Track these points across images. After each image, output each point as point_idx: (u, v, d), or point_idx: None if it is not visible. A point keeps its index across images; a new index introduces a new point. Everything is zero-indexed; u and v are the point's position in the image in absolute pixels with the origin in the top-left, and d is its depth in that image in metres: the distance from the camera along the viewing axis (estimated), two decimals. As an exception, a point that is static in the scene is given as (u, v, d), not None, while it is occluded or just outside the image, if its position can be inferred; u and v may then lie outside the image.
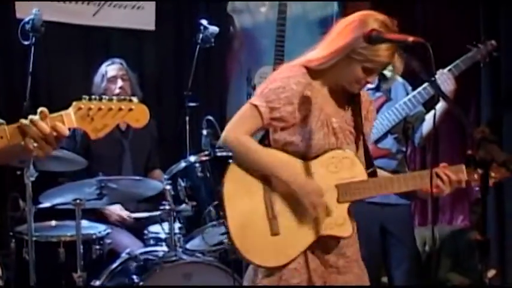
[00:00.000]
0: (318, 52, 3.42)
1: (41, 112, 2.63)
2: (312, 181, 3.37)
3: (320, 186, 3.36)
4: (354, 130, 3.47)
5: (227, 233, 3.45)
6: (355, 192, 3.40)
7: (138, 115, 2.81)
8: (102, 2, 6.58)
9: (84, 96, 2.74)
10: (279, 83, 3.40)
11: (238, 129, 3.47)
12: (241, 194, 3.44)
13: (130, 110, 2.78)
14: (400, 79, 5.01)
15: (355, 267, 3.53)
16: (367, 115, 3.56)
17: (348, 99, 3.50)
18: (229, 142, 3.48)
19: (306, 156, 3.40)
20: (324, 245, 3.44)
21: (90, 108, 2.72)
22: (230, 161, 3.49)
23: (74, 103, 2.73)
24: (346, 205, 3.41)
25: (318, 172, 3.39)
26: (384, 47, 3.28)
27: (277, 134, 3.42)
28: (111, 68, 5.84)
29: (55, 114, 2.69)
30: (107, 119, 2.75)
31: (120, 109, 2.76)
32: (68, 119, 2.70)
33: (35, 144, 2.62)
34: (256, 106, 3.41)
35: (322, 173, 3.39)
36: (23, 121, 2.61)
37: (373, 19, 3.28)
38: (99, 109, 2.73)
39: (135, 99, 2.80)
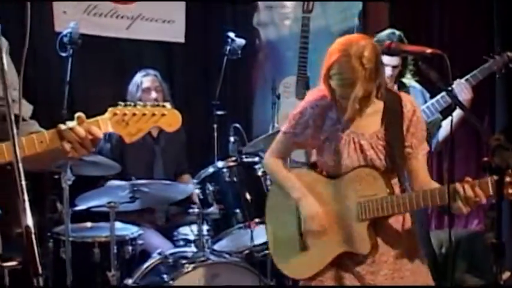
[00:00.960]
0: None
1: (78, 117, 2.64)
2: (309, 199, 3.49)
3: (315, 204, 3.47)
4: (388, 145, 3.37)
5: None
6: (373, 210, 3.33)
7: (171, 120, 2.82)
8: (135, 16, 6.60)
9: (119, 102, 2.75)
10: (299, 109, 3.52)
11: (271, 154, 3.72)
12: (280, 211, 3.65)
13: (163, 115, 2.79)
14: (418, 86, 4.99)
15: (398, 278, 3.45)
16: (409, 127, 3.41)
17: (384, 112, 3.42)
18: (264, 164, 3.88)
19: (336, 174, 3.43)
20: (357, 261, 3.42)
21: (125, 114, 2.73)
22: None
23: (110, 109, 2.74)
24: (366, 223, 3.35)
25: (343, 190, 3.42)
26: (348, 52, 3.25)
27: (314, 156, 3.57)
28: (146, 79, 5.84)
29: (92, 120, 2.71)
30: (141, 123, 2.76)
31: (154, 114, 2.78)
32: (104, 124, 2.71)
33: (72, 147, 2.63)
34: (284, 133, 3.60)
35: (346, 191, 3.41)
36: (61, 126, 2.62)
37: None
38: (134, 114, 2.75)
39: (168, 105, 2.81)
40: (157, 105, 2.82)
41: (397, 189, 3.37)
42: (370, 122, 3.41)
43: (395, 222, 3.45)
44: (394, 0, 7.06)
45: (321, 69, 3.36)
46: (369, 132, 3.40)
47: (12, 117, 2.37)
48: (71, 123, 2.64)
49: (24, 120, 2.81)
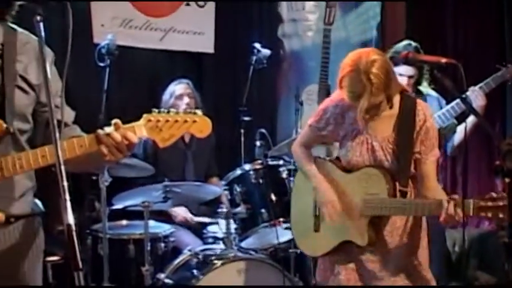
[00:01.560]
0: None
1: (115, 123, 2.66)
2: (327, 187, 3.64)
3: (331, 193, 3.62)
4: (397, 149, 3.42)
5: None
6: (375, 208, 3.43)
7: (202, 126, 2.82)
8: (168, 29, 6.62)
9: (153, 109, 2.76)
10: (323, 106, 3.65)
11: (298, 143, 3.87)
12: (302, 192, 3.83)
13: (195, 121, 2.79)
14: (434, 94, 4.97)
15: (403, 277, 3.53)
16: (419, 134, 3.45)
17: (397, 118, 3.45)
18: (292, 152, 3.95)
19: (348, 169, 3.56)
20: (377, 252, 3.52)
21: (158, 120, 2.74)
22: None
23: (145, 115, 2.75)
24: (368, 218, 3.46)
25: (352, 185, 3.55)
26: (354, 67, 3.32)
27: (337, 150, 3.70)
28: (178, 87, 5.86)
29: (128, 125, 2.72)
30: (174, 129, 2.76)
31: (186, 121, 2.78)
32: (139, 130, 2.72)
33: (109, 151, 2.65)
34: (310, 125, 3.73)
35: (354, 187, 3.53)
36: (99, 131, 2.64)
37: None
38: (167, 121, 2.75)
39: (199, 112, 2.81)
40: (189, 112, 2.82)
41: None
42: (385, 126, 3.47)
43: (400, 219, 3.52)
44: (411, 13, 7.06)
45: (337, 79, 3.45)
46: (382, 135, 3.47)
47: (55, 123, 2.40)
48: (108, 129, 2.65)
49: (66, 125, 2.84)
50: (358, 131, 3.50)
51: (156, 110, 2.77)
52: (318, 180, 3.69)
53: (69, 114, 2.89)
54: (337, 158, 3.73)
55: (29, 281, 2.84)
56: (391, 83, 3.32)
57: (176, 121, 2.77)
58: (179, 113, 2.79)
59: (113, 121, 2.68)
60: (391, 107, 3.39)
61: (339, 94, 3.51)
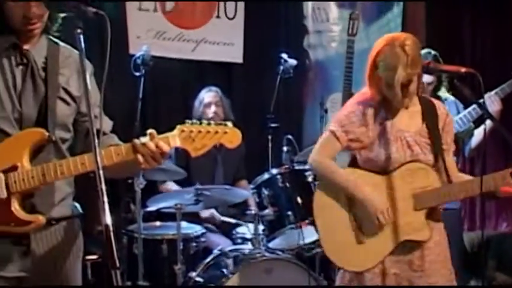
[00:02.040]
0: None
1: (150, 133, 2.68)
2: (377, 196, 3.34)
3: (384, 200, 3.33)
4: (430, 141, 3.37)
5: (319, 239, 3.46)
6: (429, 199, 3.32)
7: (232, 137, 2.83)
8: (199, 40, 6.65)
9: (187, 120, 2.78)
10: (350, 109, 3.42)
11: (320, 154, 3.50)
12: (329, 207, 3.45)
13: (225, 133, 2.80)
14: (452, 99, 4.96)
15: (442, 269, 3.41)
16: (444, 127, 3.44)
17: (422, 113, 3.43)
18: (313, 166, 3.54)
19: (385, 170, 3.36)
20: (408, 250, 3.37)
21: (191, 131, 2.76)
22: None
23: (178, 126, 2.77)
24: (424, 212, 3.34)
25: (396, 184, 3.35)
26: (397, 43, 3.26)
27: (358, 155, 3.43)
28: (207, 95, 5.89)
29: (162, 136, 2.74)
30: (206, 140, 2.78)
31: (217, 132, 2.79)
32: (173, 140, 2.74)
33: (144, 160, 2.67)
34: (333, 132, 3.43)
35: (399, 185, 3.35)
36: (135, 141, 2.66)
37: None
38: (199, 132, 2.76)
39: (229, 124, 2.83)
40: (220, 124, 2.83)
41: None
42: (413, 121, 3.42)
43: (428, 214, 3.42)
44: (430, 23, 7.03)
45: (366, 68, 3.37)
46: (413, 130, 3.40)
47: (95, 131, 2.42)
48: (143, 139, 2.67)
49: (105, 134, 2.87)
50: (389, 128, 3.37)
51: (189, 121, 2.79)
52: (362, 190, 3.38)
53: (107, 124, 2.93)
54: (353, 165, 3.53)
55: (69, 279, 2.87)
56: (421, 62, 3.29)
57: (208, 132, 2.78)
58: (211, 124, 2.80)
59: (148, 131, 2.71)
60: (420, 94, 3.40)
61: (363, 95, 3.44)
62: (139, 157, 2.68)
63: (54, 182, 2.74)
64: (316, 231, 3.52)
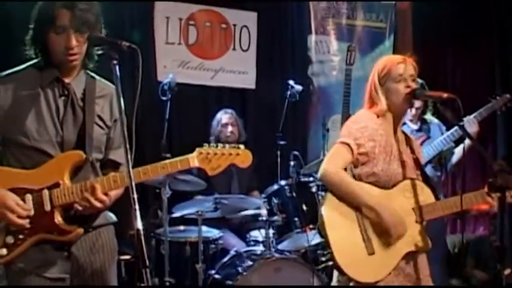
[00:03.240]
0: (367, 103, 3.34)
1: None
2: (392, 206, 3.14)
3: (398, 210, 3.14)
4: (413, 164, 3.31)
5: (329, 251, 3.17)
6: (428, 213, 3.21)
7: (244, 158, 2.86)
8: (218, 69, 6.68)
9: (204, 144, 2.81)
10: (363, 124, 3.22)
11: (333, 165, 3.18)
12: (339, 219, 3.15)
13: (238, 154, 2.84)
14: (437, 121, 4.97)
15: (424, 277, 3.27)
16: (418, 155, 3.39)
17: (405, 140, 3.37)
18: (326, 176, 3.18)
19: (385, 185, 3.19)
20: (405, 261, 3.20)
21: (208, 153, 2.80)
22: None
23: (197, 149, 2.81)
24: (423, 224, 3.22)
25: (396, 198, 3.18)
26: (394, 59, 3.26)
27: (358, 169, 3.21)
28: (224, 116, 5.90)
29: (183, 157, 2.79)
30: (221, 161, 2.82)
31: (230, 154, 2.83)
32: (192, 160, 2.79)
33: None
34: (347, 144, 3.18)
35: (400, 199, 3.18)
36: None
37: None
38: (215, 154, 2.80)
39: (242, 146, 2.86)
40: (234, 147, 2.86)
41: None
42: (401, 145, 3.32)
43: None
44: (418, 56, 7.05)
45: (368, 89, 3.31)
46: (402, 151, 3.30)
47: (128, 150, 2.45)
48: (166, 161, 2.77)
49: (119, 164, 2.92)
50: (391, 146, 3.24)
51: (206, 145, 2.82)
52: (378, 201, 3.13)
53: (121, 155, 2.84)
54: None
55: (106, 278, 2.88)
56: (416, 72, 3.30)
57: (223, 154, 2.82)
58: (225, 147, 2.84)
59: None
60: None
61: (369, 113, 3.28)
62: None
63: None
64: (328, 246, 3.15)
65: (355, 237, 3.14)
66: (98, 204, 2.68)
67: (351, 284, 3.18)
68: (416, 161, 3.34)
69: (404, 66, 3.24)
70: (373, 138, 3.20)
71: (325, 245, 3.28)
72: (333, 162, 3.19)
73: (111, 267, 2.93)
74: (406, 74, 3.23)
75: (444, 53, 7.57)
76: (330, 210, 3.18)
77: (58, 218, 2.72)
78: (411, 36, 7.41)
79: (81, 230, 2.76)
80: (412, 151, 3.36)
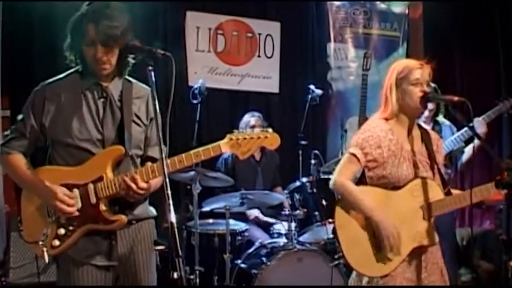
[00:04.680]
0: (382, 105, 3.31)
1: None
2: (386, 218, 3.11)
3: (393, 222, 3.11)
4: (428, 160, 3.25)
5: (341, 253, 3.19)
6: (436, 209, 3.16)
7: (272, 140, 2.82)
8: (244, 74, 6.69)
9: (234, 130, 2.80)
10: (368, 133, 3.23)
11: (342, 175, 3.23)
12: (348, 225, 3.18)
13: (266, 137, 2.80)
14: (448, 123, 4.92)
15: (436, 269, 3.23)
16: (437, 149, 3.33)
17: (421, 136, 3.31)
18: (336, 187, 3.24)
19: (395, 186, 3.18)
20: (416, 255, 3.18)
21: (238, 138, 2.78)
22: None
23: (227, 135, 2.80)
24: (431, 220, 3.17)
25: (405, 198, 3.16)
26: (412, 64, 3.21)
27: (371, 172, 3.21)
28: (252, 119, 5.87)
29: (214, 144, 2.78)
30: (250, 144, 2.79)
31: (259, 137, 2.80)
32: (224, 146, 2.77)
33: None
34: (354, 154, 3.21)
35: (408, 198, 3.16)
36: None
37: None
38: (244, 138, 2.78)
39: (270, 129, 2.83)
40: (262, 131, 2.84)
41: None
42: (416, 143, 3.28)
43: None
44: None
45: (384, 90, 3.27)
46: (416, 150, 3.25)
47: (163, 148, 2.46)
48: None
49: (155, 159, 2.91)
50: (399, 149, 3.20)
51: (236, 131, 2.81)
52: (377, 214, 3.12)
53: (158, 152, 2.83)
54: (360, 180, 3.30)
55: (146, 267, 2.89)
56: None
57: (252, 138, 2.79)
58: (253, 131, 2.82)
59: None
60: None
61: (378, 120, 3.27)
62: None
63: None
64: (339, 244, 3.19)
65: (363, 236, 3.16)
66: (140, 191, 2.71)
67: (364, 279, 3.20)
68: (432, 157, 3.28)
69: (421, 71, 3.21)
70: (380, 144, 3.19)
71: (336, 243, 3.30)
72: (341, 173, 3.24)
73: (151, 257, 2.95)
74: (423, 79, 3.20)
75: (452, 59, 7.52)
76: (341, 215, 3.22)
77: (103, 209, 2.75)
78: (422, 43, 7.36)
79: (125, 218, 2.78)
80: (427, 148, 3.29)
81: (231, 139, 2.79)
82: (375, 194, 3.20)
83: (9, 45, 5.43)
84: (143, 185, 2.70)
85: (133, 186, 2.69)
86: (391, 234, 3.10)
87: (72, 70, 2.88)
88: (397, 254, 3.12)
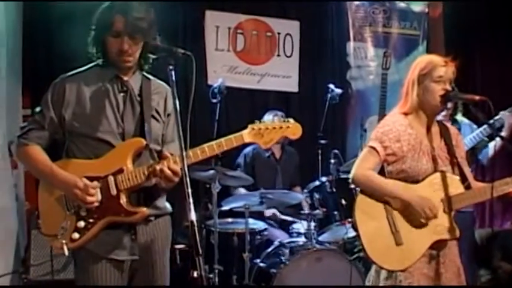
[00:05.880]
0: (401, 100, 3.29)
1: (166, 158, 2.76)
2: (424, 196, 3.11)
3: (430, 199, 3.10)
4: (448, 155, 3.23)
5: (362, 247, 3.17)
6: (456, 202, 3.14)
7: (294, 130, 2.83)
8: (264, 73, 6.69)
9: (256, 121, 2.80)
10: (387, 127, 3.22)
11: (362, 167, 3.21)
12: (368, 217, 3.17)
13: (288, 127, 2.81)
14: (467, 121, 4.87)
15: (453, 266, 3.20)
16: (457, 143, 3.30)
17: (440, 133, 3.28)
18: (356, 178, 3.22)
19: (415, 180, 3.16)
20: (436, 248, 3.15)
21: (260, 128, 2.78)
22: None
23: (249, 125, 2.80)
24: (451, 214, 3.14)
25: (426, 192, 3.13)
26: (437, 61, 3.18)
27: (390, 167, 3.20)
28: (275, 118, 5.82)
29: (237, 134, 2.78)
30: (272, 134, 2.79)
31: (281, 127, 2.80)
32: (246, 136, 2.77)
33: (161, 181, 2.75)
34: (373, 147, 3.20)
35: (429, 192, 3.13)
36: (155, 166, 2.74)
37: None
38: (267, 128, 2.79)
39: (291, 120, 2.83)
40: (284, 121, 2.84)
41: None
42: (434, 139, 3.26)
43: None
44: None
45: (406, 86, 3.24)
46: (435, 145, 3.24)
47: (182, 145, 2.46)
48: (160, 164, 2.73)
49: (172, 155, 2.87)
50: (419, 143, 3.19)
51: (257, 121, 2.81)
52: (405, 192, 3.11)
53: (174, 148, 2.87)
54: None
55: (161, 263, 2.90)
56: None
57: (274, 128, 2.80)
58: (275, 122, 2.81)
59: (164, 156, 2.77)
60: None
61: (397, 114, 3.26)
62: (157, 179, 2.72)
63: (152, 180, 2.78)
64: (359, 238, 3.18)
65: (383, 230, 3.15)
66: (173, 176, 2.68)
67: (382, 275, 3.18)
68: (452, 152, 3.25)
69: (445, 69, 3.18)
70: (399, 138, 3.18)
71: (357, 239, 3.28)
72: (360, 166, 3.23)
73: (167, 251, 2.95)
74: (446, 77, 3.18)
75: (474, 56, 7.46)
76: (360, 210, 3.21)
77: (124, 200, 2.75)
78: (443, 42, 7.30)
79: (146, 211, 2.78)
80: (447, 143, 3.26)
81: (253, 129, 2.79)
82: (396, 184, 3.18)
83: (30, 44, 5.49)
84: (174, 167, 2.67)
85: (165, 168, 2.67)
86: (426, 206, 3.08)
87: (92, 64, 2.89)
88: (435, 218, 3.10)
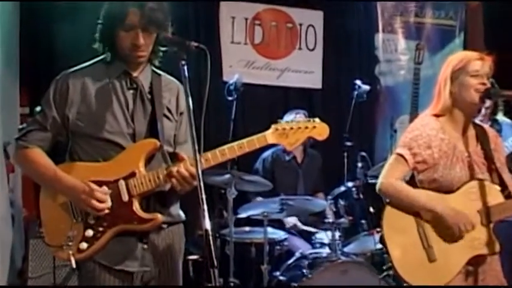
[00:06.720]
0: (433, 100, 3.27)
1: (183, 160, 2.76)
2: (458, 209, 3.08)
3: (465, 213, 3.07)
4: (485, 161, 3.19)
5: (391, 263, 3.15)
6: (495, 213, 3.10)
7: (321, 131, 2.83)
8: (284, 69, 6.69)
9: (279, 120, 2.79)
10: (417, 132, 3.21)
11: (389, 177, 3.21)
12: (397, 231, 3.16)
13: (314, 127, 2.81)
14: (509, 121, 4.84)
15: (495, 283, 3.16)
16: (495, 147, 3.26)
17: (476, 136, 3.25)
18: (384, 188, 3.23)
19: (449, 190, 3.13)
20: (475, 264, 3.12)
21: (284, 128, 2.79)
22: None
23: (273, 125, 2.81)
24: (490, 226, 3.10)
25: (461, 202, 3.10)
26: (471, 55, 3.17)
27: (421, 175, 3.19)
28: (297, 117, 5.82)
29: (259, 135, 2.79)
30: (298, 134, 2.79)
31: (307, 127, 2.80)
32: (269, 137, 2.78)
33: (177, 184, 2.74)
34: (401, 155, 3.19)
35: (464, 203, 3.10)
36: (171, 169, 2.74)
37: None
38: (291, 128, 2.79)
39: (317, 119, 2.83)
40: (309, 120, 2.84)
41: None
42: (470, 143, 3.22)
43: None
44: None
45: (438, 85, 3.23)
46: (471, 151, 3.20)
47: (196, 148, 2.46)
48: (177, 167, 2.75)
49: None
50: (451, 149, 3.16)
51: (281, 121, 2.81)
52: (438, 204, 3.09)
53: (186, 150, 2.88)
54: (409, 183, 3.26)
55: (173, 273, 2.90)
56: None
57: (299, 128, 2.80)
58: (300, 121, 2.81)
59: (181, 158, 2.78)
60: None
61: (428, 118, 3.24)
62: (174, 181, 2.71)
63: (165, 184, 2.78)
64: (388, 254, 3.17)
65: (415, 245, 3.12)
66: (190, 178, 2.69)
67: None
68: (489, 157, 3.22)
69: (481, 63, 3.17)
70: (430, 144, 3.17)
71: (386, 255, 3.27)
72: (387, 175, 3.23)
73: (179, 261, 2.95)
74: (482, 71, 3.16)
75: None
76: (389, 224, 3.20)
77: (137, 207, 2.74)
78: (482, 34, 7.25)
79: (160, 218, 2.77)
80: (484, 147, 3.24)
81: (277, 129, 2.80)
82: (428, 195, 3.16)
83: (28, 40, 5.52)
84: (194, 169, 2.62)
85: (183, 169, 2.68)
86: (461, 221, 3.06)
87: (96, 59, 2.89)
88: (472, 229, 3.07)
